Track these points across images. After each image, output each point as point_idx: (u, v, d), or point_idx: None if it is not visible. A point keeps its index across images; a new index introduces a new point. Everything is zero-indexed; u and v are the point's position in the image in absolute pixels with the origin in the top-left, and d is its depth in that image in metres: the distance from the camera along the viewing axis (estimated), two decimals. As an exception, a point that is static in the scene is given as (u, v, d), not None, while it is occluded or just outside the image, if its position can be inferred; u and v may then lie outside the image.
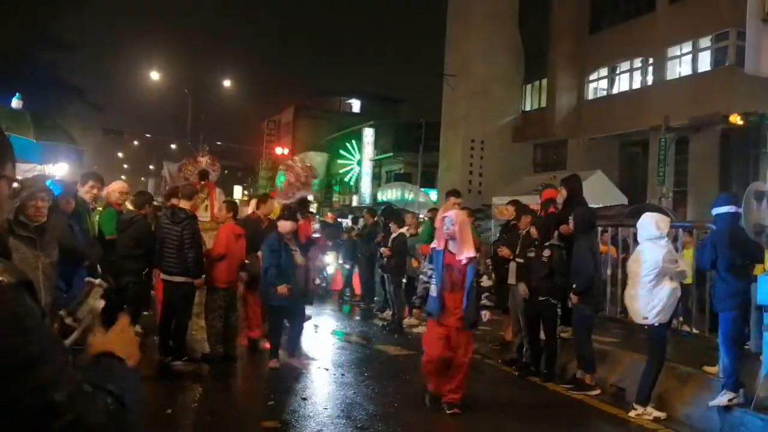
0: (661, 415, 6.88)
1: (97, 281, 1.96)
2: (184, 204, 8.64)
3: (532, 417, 7.34)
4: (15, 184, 1.54)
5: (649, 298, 6.83)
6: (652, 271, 6.82)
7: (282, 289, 8.28)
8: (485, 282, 6.96)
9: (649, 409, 6.90)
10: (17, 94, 11.32)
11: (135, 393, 1.55)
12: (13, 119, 9.47)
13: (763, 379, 6.34)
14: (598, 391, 7.82)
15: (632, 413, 6.96)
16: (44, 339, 1.34)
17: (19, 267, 1.43)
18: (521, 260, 8.80)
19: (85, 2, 33.76)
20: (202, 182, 11.67)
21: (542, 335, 8.61)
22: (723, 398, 6.58)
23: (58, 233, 5.50)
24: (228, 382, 8.28)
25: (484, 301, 6.86)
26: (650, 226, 7.09)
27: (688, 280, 8.43)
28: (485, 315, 6.89)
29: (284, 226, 8.69)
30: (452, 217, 6.88)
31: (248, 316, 9.71)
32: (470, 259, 6.75)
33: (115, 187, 9.17)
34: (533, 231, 8.63)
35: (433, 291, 6.84)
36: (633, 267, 7.10)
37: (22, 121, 9.51)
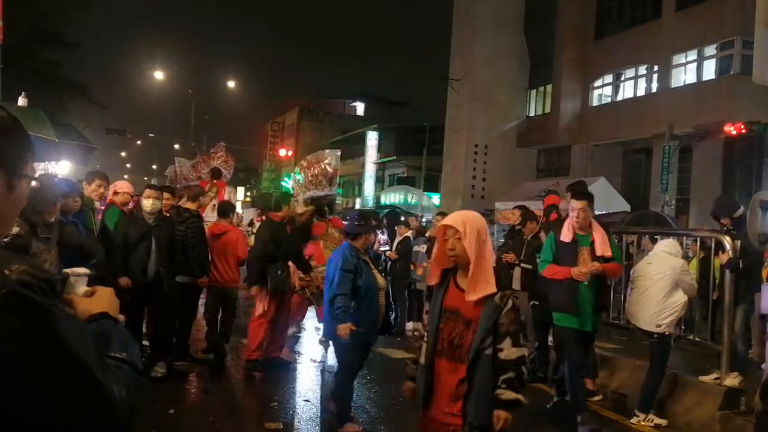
0: (663, 422, 6.88)
1: (81, 270, 1.93)
2: (189, 205, 8.62)
3: (533, 422, 7.34)
4: (33, 183, 1.55)
5: (663, 307, 6.82)
6: (666, 278, 6.81)
7: (344, 330, 5.83)
8: (508, 351, 3.45)
9: (651, 416, 6.90)
10: (23, 92, 11.33)
11: (138, 352, 1.57)
12: (31, 119, 9.50)
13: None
14: (600, 397, 7.82)
15: (634, 420, 6.96)
16: (75, 336, 1.33)
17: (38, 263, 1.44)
18: (528, 266, 8.80)
19: (91, 1, 33.81)
20: (214, 180, 11.54)
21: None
22: (735, 380, 6.73)
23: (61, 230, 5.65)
24: (231, 383, 8.29)
25: (501, 390, 3.45)
26: (674, 243, 7.17)
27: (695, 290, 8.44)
28: (499, 418, 3.47)
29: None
30: (460, 223, 3.55)
31: (269, 334, 8.69)
32: (485, 299, 3.49)
33: (118, 187, 9.17)
34: (543, 237, 8.62)
35: (422, 356, 3.78)
36: (644, 271, 7.08)
37: (41, 121, 9.56)
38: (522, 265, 8.97)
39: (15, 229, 4.63)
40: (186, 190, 9.91)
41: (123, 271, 7.28)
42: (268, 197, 10.33)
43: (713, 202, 9.32)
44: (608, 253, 6.55)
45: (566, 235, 6.64)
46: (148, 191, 7.82)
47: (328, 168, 10.92)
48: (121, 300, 1.78)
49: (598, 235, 6.62)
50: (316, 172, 10.90)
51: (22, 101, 10.98)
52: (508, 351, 3.41)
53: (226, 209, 9.42)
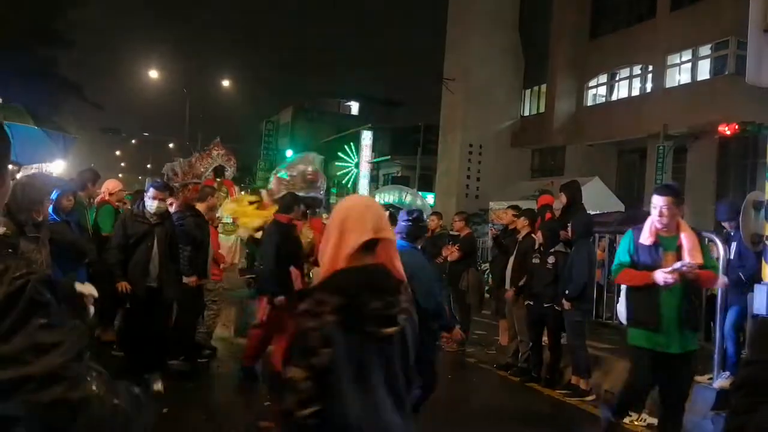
0: (655, 421, 6.88)
1: (86, 292, 1.93)
2: (199, 205, 8.51)
3: (526, 422, 7.35)
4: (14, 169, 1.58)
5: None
6: None
7: (459, 332, 6.78)
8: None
9: (644, 415, 6.91)
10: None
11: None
12: (11, 111, 9.50)
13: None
14: (593, 397, 7.83)
15: (626, 419, 6.96)
16: (62, 331, 1.33)
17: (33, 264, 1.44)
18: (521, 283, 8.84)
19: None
20: (218, 179, 11.23)
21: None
22: (726, 381, 6.75)
23: (51, 229, 5.65)
24: (226, 382, 8.27)
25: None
26: None
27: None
28: None
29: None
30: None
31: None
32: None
33: (109, 187, 9.14)
34: (538, 236, 8.65)
35: None
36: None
37: (20, 113, 9.55)
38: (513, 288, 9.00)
39: (1, 229, 4.60)
40: (184, 189, 9.80)
41: (122, 275, 6.93)
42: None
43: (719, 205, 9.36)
44: (699, 260, 5.35)
45: (646, 237, 5.48)
46: (153, 192, 7.22)
47: (308, 170, 10.86)
48: (120, 306, 1.78)
49: (688, 239, 5.42)
50: (294, 174, 10.79)
51: None
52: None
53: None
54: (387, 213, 2.67)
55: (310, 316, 2.40)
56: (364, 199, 2.86)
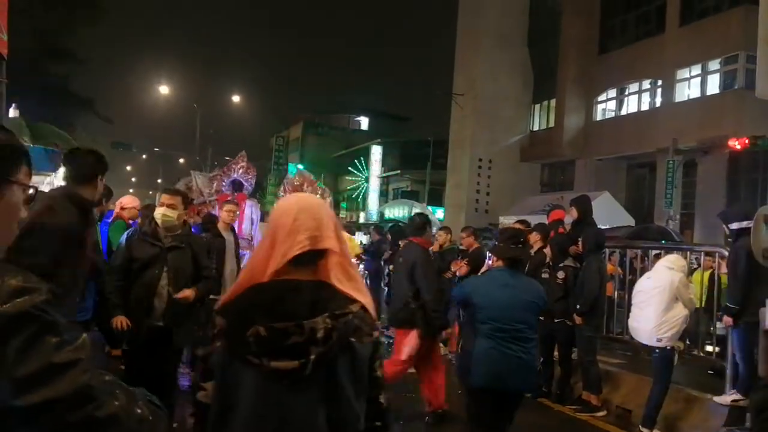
0: (667, 438, 6.85)
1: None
2: (220, 224, 8.56)
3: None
4: (30, 191, 1.51)
5: (662, 321, 6.78)
6: (665, 292, 6.78)
7: None
8: None
9: (655, 431, 6.87)
10: (13, 104, 11.32)
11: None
12: (50, 132, 9.57)
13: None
14: (604, 413, 7.78)
15: (637, 436, 6.94)
16: (73, 349, 1.29)
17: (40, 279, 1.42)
18: None
19: (99, 17, 34.05)
20: (235, 194, 11.16)
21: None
22: (728, 397, 6.68)
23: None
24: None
25: None
26: (677, 258, 7.14)
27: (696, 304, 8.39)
28: None
29: None
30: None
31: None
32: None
33: (123, 202, 9.16)
34: (548, 251, 8.62)
35: None
36: (644, 286, 7.05)
37: (53, 132, 9.63)
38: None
39: None
40: (203, 206, 9.75)
41: (120, 306, 5.46)
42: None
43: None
44: None
45: None
46: (163, 197, 5.83)
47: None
48: (117, 348, 1.74)
49: None
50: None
51: (13, 113, 10.96)
52: None
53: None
54: (332, 215, 2.17)
55: (210, 341, 2.07)
56: (300, 200, 2.21)
